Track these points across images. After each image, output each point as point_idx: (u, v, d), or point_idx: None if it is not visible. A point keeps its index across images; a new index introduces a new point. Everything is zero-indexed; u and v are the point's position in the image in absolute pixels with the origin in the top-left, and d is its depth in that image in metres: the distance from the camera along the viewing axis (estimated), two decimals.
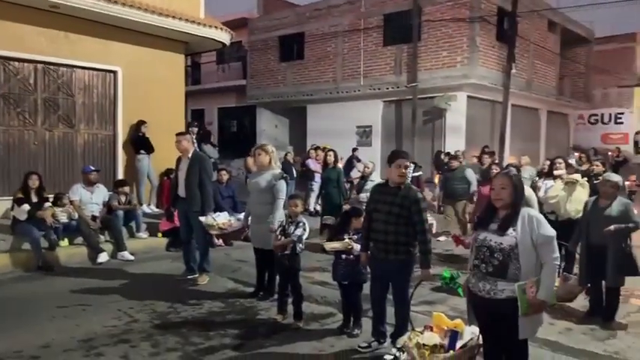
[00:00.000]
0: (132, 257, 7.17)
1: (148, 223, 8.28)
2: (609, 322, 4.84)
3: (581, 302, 5.30)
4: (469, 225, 8.74)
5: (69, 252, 7.03)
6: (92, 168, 7.66)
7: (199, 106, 22.36)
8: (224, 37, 10.02)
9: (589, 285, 5.18)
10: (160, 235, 7.99)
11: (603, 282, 4.96)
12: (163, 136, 9.16)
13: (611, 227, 4.76)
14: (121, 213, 7.55)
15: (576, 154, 12.88)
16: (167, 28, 8.99)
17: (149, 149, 9.17)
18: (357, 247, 4.26)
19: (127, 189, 7.84)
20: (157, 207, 9.49)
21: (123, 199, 7.77)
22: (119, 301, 5.30)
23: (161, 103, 9.46)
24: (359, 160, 13.02)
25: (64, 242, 7.14)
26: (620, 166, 15.20)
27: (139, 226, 7.97)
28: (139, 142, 9.14)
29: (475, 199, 8.75)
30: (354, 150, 14.57)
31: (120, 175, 9.00)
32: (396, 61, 15.69)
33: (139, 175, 9.16)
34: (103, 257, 7.00)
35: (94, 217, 7.36)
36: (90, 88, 8.84)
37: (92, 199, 7.42)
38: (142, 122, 9.08)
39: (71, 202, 7.24)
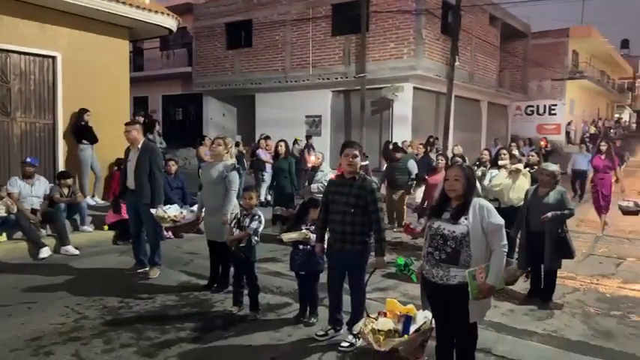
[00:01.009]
0: (76, 252, 6.90)
1: (93, 215, 7.98)
2: (547, 303, 5.19)
3: (522, 285, 5.64)
4: (406, 214, 9.07)
5: (8, 247, 6.67)
6: (29, 160, 7.28)
7: (142, 93, 21.60)
8: (170, 23, 9.73)
9: (529, 269, 5.51)
10: (106, 228, 7.73)
11: (542, 265, 5.30)
12: (107, 125, 8.83)
13: (548, 214, 5.09)
14: (63, 206, 7.24)
15: (513, 144, 13.47)
16: (110, 13, 8.60)
17: (92, 139, 8.81)
18: (314, 237, 4.33)
19: (69, 181, 7.51)
20: (102, 199, 9.16)
21: (66, 191, 7.44)
22: (66, 298, 5.11)
23: (104, 91, 9.08)
24: (314, 149, 13.11)
25: (2, 237, 6.78)
26: (549, 156, 16.13)
27: (83, 219, 7.67)
28: (81, 132, 8.75)
29: (418, 189, 9.08)
30: (309, 138, 14.61)
31: (61, 167, 8.59)
32: (345, 52, 15.81)
33: (81, 166, 8.79)
34: (45, 252, 6.69)
35: (34, 211, 7.03)
36: (27, 75, 8.34)
37: (32, 192, 7.09)
38: (84, 111, 8.70)
39: (9, 195, 6.87)
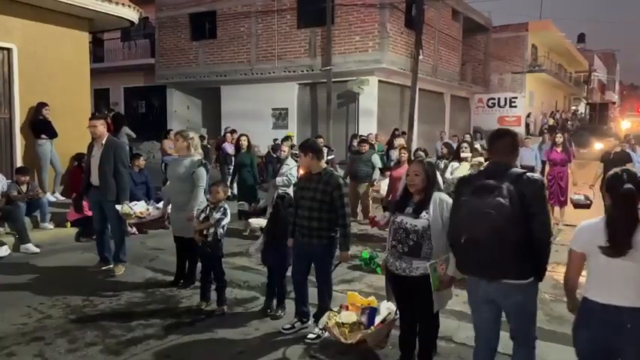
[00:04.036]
0: (37, 250, 6.73)
1: (54, 212, 7.80)
2: None
3: None
4: (371, 207, 9.22)
5: None
6: None
7: (103, 85, 21.05)
8: (132, 15, 9.51)
9: None
10: (68, 225, 7.57)
11: None
12: (67, 118, 8.61)
13: None
14: (21, 203, 7.04)
15: (467, 135, 13.65)
16: (68, 4, 8.35)
17: (51, 133, 8.56)
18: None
19: (28, 177, 7.31)
20: (62, 195, 8.93)
21: (24, 188, 7.23)
22: (28, 297, 5.00)
23: (64, 84, 8.83)
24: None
25: None
26: None
27: (44, 216, 7.49)
28: (39, 126, 8.49)
29: (383, 182, 9.22)
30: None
31: (18, 162, 8.31)
32: (311, 44, 15.82)
33: (40, 162, 8.53)
34: (3, 251, 6.50)
35: None
36: None
37: None
38: (42, 105, 8.43)
39: None
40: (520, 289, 2.79)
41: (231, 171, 10.75)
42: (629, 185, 2.39)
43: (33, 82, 8.42)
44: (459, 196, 2.90)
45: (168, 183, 5.69)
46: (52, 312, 4.65)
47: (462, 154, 6.95)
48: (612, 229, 2.39)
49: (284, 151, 7.97)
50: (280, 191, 6.73)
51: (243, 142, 8.58)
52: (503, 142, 2.97)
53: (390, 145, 12.54)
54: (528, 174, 2.78)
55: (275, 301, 4.68)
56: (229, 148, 10.98)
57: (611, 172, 2.54)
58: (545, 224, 2.74)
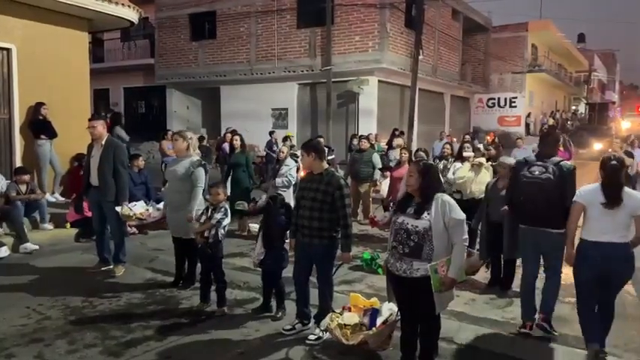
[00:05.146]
0: (36, 246, 6.72)
1: (53, 213, 7.77)
2: (506, 291, 5.39)
3: (482, 275, 5.83)
4: (371, 206, 9.20)
5: None
6: None
7: (103, 85, 21.05)
8: (131, 15, 9.48)
9: (489, 259, 5.70)
10: (67, 225, 7.55)
11: (501, 256, 5.49)
12: (66, 119, 8.58)
13: (506, 206, 5.26)
14: (20, 203, 7.02)
15: (467, 136, 13.57)
16: (67, 4, 8.33)
17: (51, 134, 8.53)
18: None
19: (27, 177, 7.30)
20: (62, 195, 8.91)
21: (23, 188, 7.22)
22: (27, 298, 4.99)
23: (63, 84, 8.80)
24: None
25: None
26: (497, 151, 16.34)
27: (43, 217, 7.47)
28: (39, 127, 8.46)
29: (383, 182, 9.21)
30: (271, 133, 14.56)
31: (18, 163, 8.29)
32: (311, 44, 15.80)
33: (40, 162, 8.50)
34: (3, 251, 6.48)
35: None
36: None
37: None
38: (40, 104, 8.40)
39: None
40: (556, 235, 3.98)
41: None
42: (614, 162, 3.62)
43: (32, 82, 8.40)
44: (518, 171, 4.18)
45: (167, 184, 5.66)
46: (51, 313, 4.64)
47: (465, 154, 6.93)
48: (608, 190, 3.59)
49: (283, 152, 7.95)
50: (280, 191, 6.70)
51: (236, 141, 8.53)
52: (549, 138, 4.44)
53: (390, 145, 12.52)
54: (563, 162, 4.10)
55: (274, 302, 4.66)
56: (229, 148, 10.94)
57: (605, 155, 3.89)
58: (572, 194, 3.87)
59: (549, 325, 4.18)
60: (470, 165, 6.69)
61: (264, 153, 13.98)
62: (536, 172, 4.02)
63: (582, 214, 3.73)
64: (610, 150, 9.69)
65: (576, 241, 3.85)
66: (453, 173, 6.79)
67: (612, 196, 3.54)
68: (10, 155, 8.41)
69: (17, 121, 8.42)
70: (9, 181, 7.30)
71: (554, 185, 3.91)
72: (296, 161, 8.23)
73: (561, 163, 4.05)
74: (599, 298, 3.74)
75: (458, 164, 6.89)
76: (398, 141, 11.16)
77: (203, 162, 5.46)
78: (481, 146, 8.44)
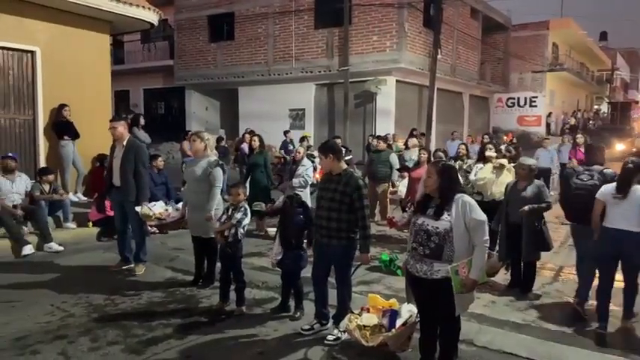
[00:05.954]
0: (61, 248, 6.85)
1: (76, 212, 7.91)
2: (527, 294, 5.32)
3: (502, 276, 5.76)
4: (389, 207, 9.16)
5: None
6: (11, 154, 7.20)
7: (124, 87, 21.37)
8: (152, 17, 9.62)
9: (509, 260, 5.63)
10: (90, 224, 7.68)
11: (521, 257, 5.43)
12: (88, 120, 8.74)
13: (526, 207, 5.20)
14: (44, 203, 7.17)
15: (486, 136, 13.31)
16: (89, 7, 8.48)
17: (74, 134, 8.70)
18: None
19: (51, 177, 7.43)
20: (84, 195, 9.07)
21: (47, 188, 7.36)
22: (51, 296, 5.09)
23: (85, 86, 8.97)
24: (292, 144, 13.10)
25: None
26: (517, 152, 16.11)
27: (66, 216, 7.61)
28: (62, 127, 8.64)
29: (401, 182, 9.17)
30: (286, 132, 14.59)
31: (42, 163, 8.47)
32: (328, 45, 15.81)
33: (63, 163, 8.68)
34: (27, 249, 6.63)
35: (14, 207, 6.94)
36: (5, 70, 8.19)
37: (13, 189, 6.98)
38: (62, 106, 8.57)
39: None
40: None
41: None
42: (630, 165, 4.37)
43: (55, 84, 8.57)
44: (570, 177, 4.97)
45: (186, 184, 5.73)
46: (74, 310, 4.72)
47: (487, 153, 6.84)
48: (618, 184, 4.37)
49: (299, 152, 7.95)
50: (297, 192, 6.71)
51: (254, 142, 8.56)
52: (595, 150, 5.41)
53: (406, 145, 12.45)
54: (606, 169, 4.93)
55: (292, 302, 4.68)
56: (247, 148, 11.00)
57: (625, 159, 4.57)
58: None
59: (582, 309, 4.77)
60: (492, 166, 6.61)
61: (282, 154, 14.03)
62: (585, 180, 4.82)
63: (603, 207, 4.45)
64: (634, 149, 9.55)
65: None
66: (475, 174, 6.72)
67: (619, 187, 4.32)
68: (34, 156, 8.59)
69: (41, 122, 8.60)
70: (33, 181, 7.45)
71: (598, 189, 4.59)
72: (312, 161, 8.23)
73: (604, 170, 4.86)
74: (624, 277, 4.46)
75: (480, 165, 6.82)
76: (413, 141, 11.11)
77: (221, 162, 5.51)
78: (503, 147, 8.32)
